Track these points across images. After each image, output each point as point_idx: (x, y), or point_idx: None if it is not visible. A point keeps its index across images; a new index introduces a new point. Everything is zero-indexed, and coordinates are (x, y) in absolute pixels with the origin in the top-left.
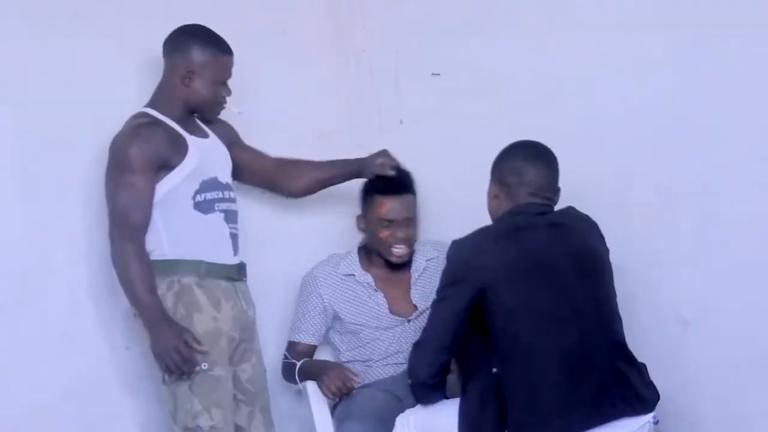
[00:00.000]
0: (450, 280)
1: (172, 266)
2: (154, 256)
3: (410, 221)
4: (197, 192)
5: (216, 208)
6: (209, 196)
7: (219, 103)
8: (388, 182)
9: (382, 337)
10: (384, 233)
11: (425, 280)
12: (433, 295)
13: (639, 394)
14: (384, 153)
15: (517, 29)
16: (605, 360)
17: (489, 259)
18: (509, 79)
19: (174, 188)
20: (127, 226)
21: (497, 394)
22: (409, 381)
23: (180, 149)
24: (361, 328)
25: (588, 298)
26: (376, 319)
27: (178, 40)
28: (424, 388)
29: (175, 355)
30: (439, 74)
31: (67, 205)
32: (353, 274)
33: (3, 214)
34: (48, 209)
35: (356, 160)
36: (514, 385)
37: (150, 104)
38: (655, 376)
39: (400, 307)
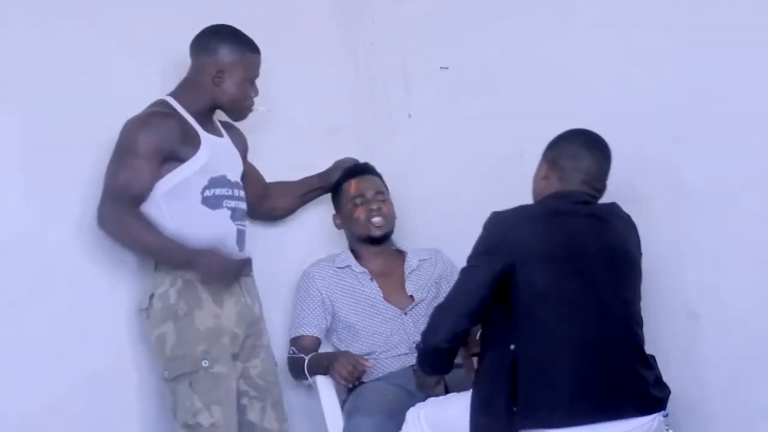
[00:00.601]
0: (483, 249)
1: None
2: None
3: (382, 196)
4: (206, 187)
5: (224, 205)
6: (218, 192)
7: (248, 104)
8: (352, 168)
9: (380, 330)
10: (359, 210)
11: (419, 274)
12: (429, 286)
13: (651, 396)
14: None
15: (525, 24)
16: (622, 359)
17: (525, 236)
18: (518, 74)
19: (184, 181)
20: (122, 197)
21: (512, 371)
22: (420, 344)
23: (192, 143)
24: (357, 319)
25: (614, 296)
26: (372, 307)
27: (207, 40)
28: (434, 352)
29: (219, 272)
30: (447, 67)
31: (74, 203)
32: (350, 266)
33: (11, 213)
34: (56, 207)
35: (321, 172)
36: (529, 365)
37: (173, 94)
38: (666, 370)
39: (396, 298)
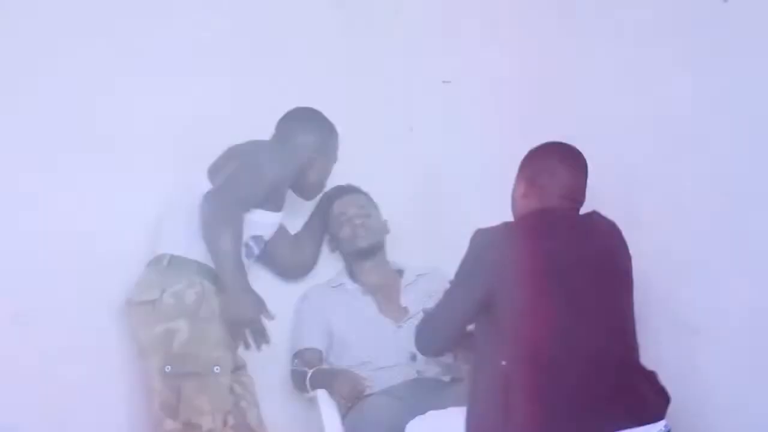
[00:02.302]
0: (466, 270)
1: (197, 267)
2: (181, 251)
3: (363, 210)
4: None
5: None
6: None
7: (324, 185)
8: (331, 191)
9: (373, 341)
10: (345, 228)
11: (415, 288)
12: (425, 300)
13: (647, 404)
14: None
15: (527, 37)
16: (614, 370)
17: (505, 257)
18: (519, 87)
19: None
20: (243, 204)
21: (504, 388)
22: (416, 347)
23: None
24: (351, 332)
25: (599, 305)
26: (365, 320)
27: (307, 125)
28: (429, 353)
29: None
30: (449, 82)
31: (79, 214)
32: (342, 284)
33: (16, 224)
34: (60, 218)
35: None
36: (520, 387)
37: None
38: (666, 384)
39: (390, 311)
